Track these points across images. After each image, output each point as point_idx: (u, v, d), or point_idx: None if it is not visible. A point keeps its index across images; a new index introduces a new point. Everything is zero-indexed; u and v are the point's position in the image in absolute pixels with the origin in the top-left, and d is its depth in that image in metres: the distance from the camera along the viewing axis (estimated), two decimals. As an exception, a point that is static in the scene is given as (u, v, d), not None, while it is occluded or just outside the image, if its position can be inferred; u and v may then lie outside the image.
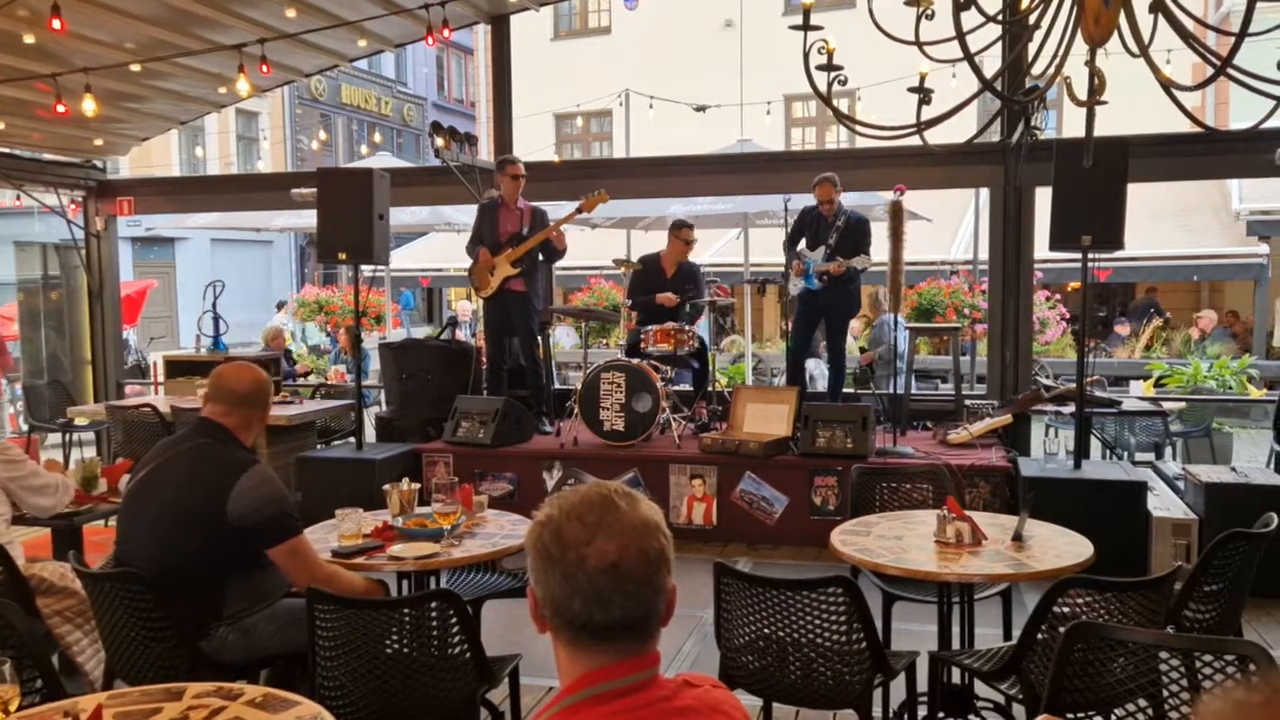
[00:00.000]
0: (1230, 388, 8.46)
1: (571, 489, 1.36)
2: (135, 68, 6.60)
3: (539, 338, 6.85)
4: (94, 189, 8.68)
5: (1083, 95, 2.51)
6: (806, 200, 6.67)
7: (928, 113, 2.65)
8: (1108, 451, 7.19)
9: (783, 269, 6.79)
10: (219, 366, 3.00)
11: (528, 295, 6.60)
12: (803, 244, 6.58)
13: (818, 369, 8.40)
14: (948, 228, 12.49)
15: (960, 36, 2.26)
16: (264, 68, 6.25)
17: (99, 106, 6.28)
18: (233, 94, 7.26)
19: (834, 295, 6.49)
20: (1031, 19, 2.32)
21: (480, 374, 7.00)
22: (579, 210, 6.61)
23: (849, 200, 6.65)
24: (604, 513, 1.31)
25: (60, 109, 6.30)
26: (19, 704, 2.31)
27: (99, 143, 8.19)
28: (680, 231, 6.90)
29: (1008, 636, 3.52)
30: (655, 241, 7.19)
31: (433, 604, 2.66)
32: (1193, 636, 2.69)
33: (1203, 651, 2.20)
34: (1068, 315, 11.32)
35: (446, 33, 6.48)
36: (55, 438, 8.06)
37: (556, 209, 6.99)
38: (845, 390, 6.95)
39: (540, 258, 6.64)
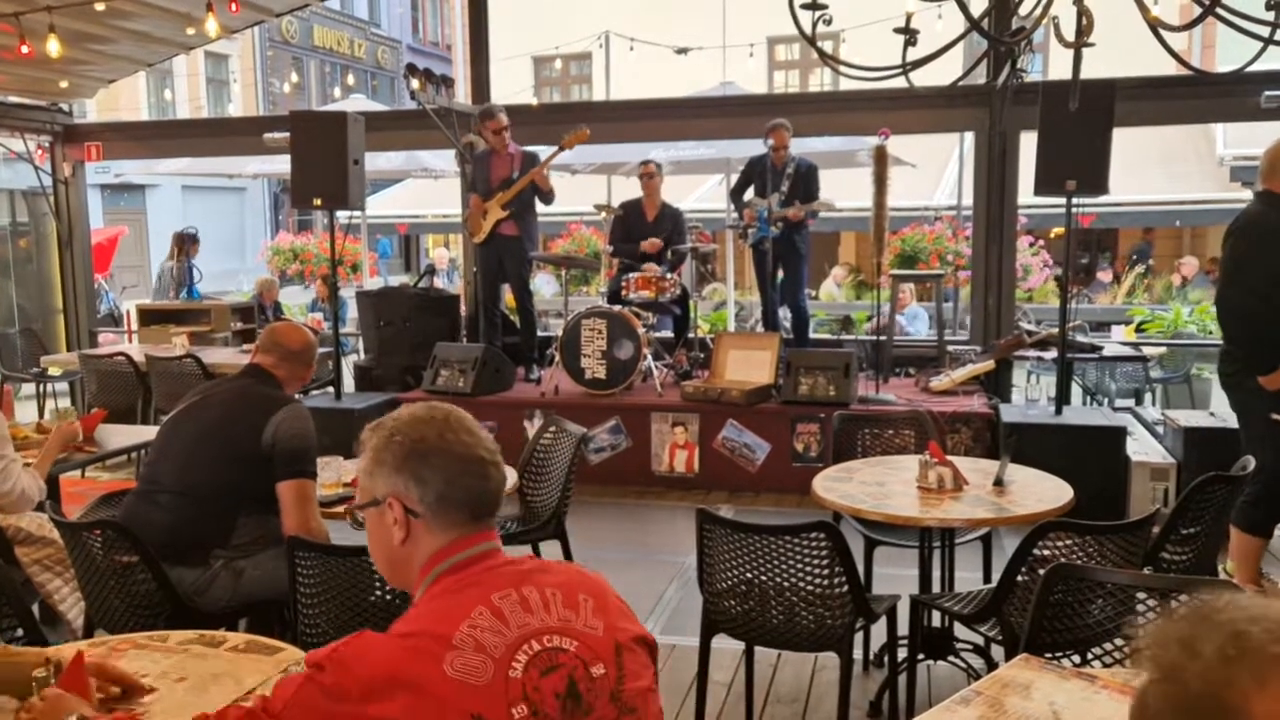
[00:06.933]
0: (1211, 333, 8.50)
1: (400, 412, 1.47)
2: (100, 6, 6.37)
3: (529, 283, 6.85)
4: (60, 134, 8.45)
5: (1070, 36, 2.46)
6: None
7: (913, 55, 2.60)
8: (1089, 397, 7.25)
9: (734, 221, 6.78)
10: (273, 324, 3.22)
11: (520, 240, 6.58)
12: (750, 193, 6.64)
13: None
14: (932, 173, 12.41)
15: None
16: (233, 6, 6.06)
17: (63, 47, 6.08)
18: (201, 35, 7.04)
19: (787, 242, 6.53)
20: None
21: (460, 322, 6.95)
22: (560, 149, 6.53)
23: (834, 144, 6.60)
24: (445, 416, 1.44)
25: (24, 50, 6.10)
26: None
27: (64, 85, 7.95)
28: (640, 168, 6.84)
29: (988, 580, 3.55)
30: (637, 187, 7.11)
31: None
32: (1170, 577, 2.71)
33: (1179, 592, 2.21)
34: (1051, 261, 11.33)
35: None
36: (29, 388, 7.96)
37: (536, 153, 6.89)
38: (827, 336, 6.94)
39: (536, 201, 6.62)
